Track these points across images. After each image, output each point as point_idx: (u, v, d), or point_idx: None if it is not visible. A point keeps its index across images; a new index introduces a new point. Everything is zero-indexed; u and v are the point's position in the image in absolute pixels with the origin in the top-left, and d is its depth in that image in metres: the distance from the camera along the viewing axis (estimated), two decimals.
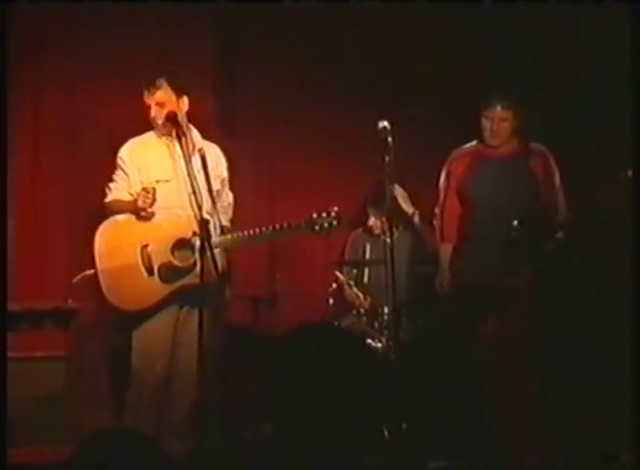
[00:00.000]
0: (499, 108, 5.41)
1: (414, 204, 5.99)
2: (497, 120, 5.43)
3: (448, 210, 5.59)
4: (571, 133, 6.10)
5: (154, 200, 5.15)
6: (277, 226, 5.22)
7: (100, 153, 5.82)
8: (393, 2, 6.37)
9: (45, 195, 6.11)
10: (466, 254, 5.49)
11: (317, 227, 5.18)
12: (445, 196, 5.60)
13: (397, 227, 6.03)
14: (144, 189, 5.15)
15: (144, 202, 5.14)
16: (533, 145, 5.50)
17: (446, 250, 5.58)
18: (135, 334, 5.24)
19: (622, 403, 5.03)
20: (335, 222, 5.19)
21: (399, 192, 5.92)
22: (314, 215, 5.19)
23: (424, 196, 5.96)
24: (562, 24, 6.26)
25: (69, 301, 5.43)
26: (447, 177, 5.60)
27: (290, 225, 5.21)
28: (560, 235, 5.34)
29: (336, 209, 5.19)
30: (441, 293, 5.57)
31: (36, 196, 6.09)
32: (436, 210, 5.65)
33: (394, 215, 5.87)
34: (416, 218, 5.97)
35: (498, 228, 5.29)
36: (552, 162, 5.47)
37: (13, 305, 5.12)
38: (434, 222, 5.66)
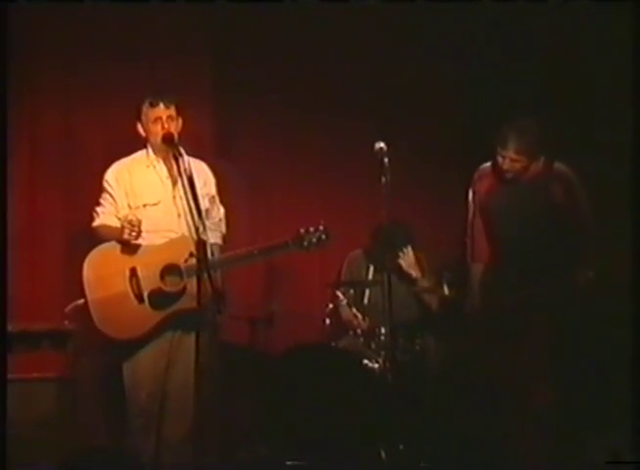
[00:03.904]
0: (511, 152, 5.23)
1: (421, 268, 6.04)
2: (509, 160, 5.26)
3: (477, 229, 5.49)
4: (571, 138, 6.02)
5: (139, 232, 5.10)
6: (263, 246, 5.21)
7: (98, 172, 5.78)
8: (394, 16, 6.43)
9: (43, 216, 6.09)
10: (493, 275, 5.42)
11: (305, 243, 5.16)
12: (474, 215, 5.50)
13: None
14: (129, 222, 5.09)
15: (129, 234, 5.09)
16: (557, 166, 5.34)
17: (477, 270, 5.47)
18: (126, 362, 5.20)
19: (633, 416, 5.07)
20: (323, 237, 5.16)
21: (405, 258, 5.99)
22: (301, 231, 5.17)
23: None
24: (561, 25, 6.27)
25: (66, 322, 5.42)
26: (474, 196, 5.50)
27: (277, 244, 5.20)
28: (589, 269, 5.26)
29: (323, 223, 5.17)
30: (470, 313, 5.49)
31: (34, 216, 6.07)
32: (468, 228, 5.55)
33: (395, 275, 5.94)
34: (420, 284, 6.03)
35: (521, 252, 5.26)
36: (575, 185, 5.30)
37: (9, 327, 5.11)
38: (467, 240, 5.57)
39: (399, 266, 6.02)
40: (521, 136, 5.23)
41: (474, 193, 5.51)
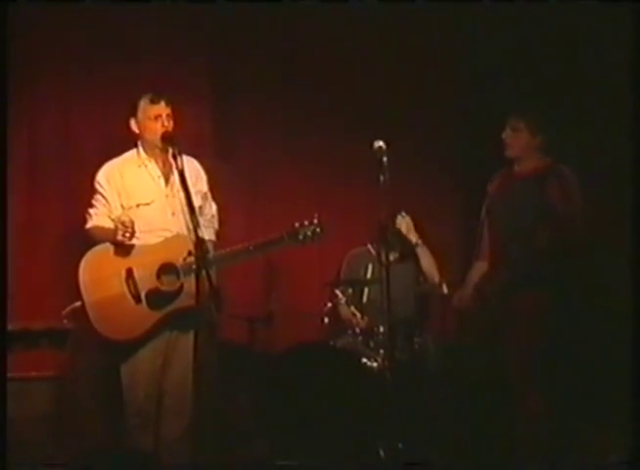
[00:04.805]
0: (511, 117, 5.34)
1: (419, 232, 6.03)
2: (509, 130, 5.33)
3: (485, 228, 5.49)
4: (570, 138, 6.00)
5: (133, 232, 5.10)
6: (259, 241, 5.20)
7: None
8: (394, 17, 6.44)
9: (42, 216, 6.10)
10: (489, 274, 5.40)
11: (301, 237, 5.16)
12: (484, 215, 5.50)
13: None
14: (122, 222, 5.08)
15: (123, 235, 5.09)
16: (559, 166, 5.31)
17: (478, 268, 5.47)
18: (125, 362, 5.20)
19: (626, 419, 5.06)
20: (318, 230, 5.16)
21: (404, 222, 5.98)
22: (296, 225, 5.17)
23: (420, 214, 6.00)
24: (562, 25, 6.26)
25: (65, 321, 5.43)
26: (486, 197, 5.52)
27: (272, 238, 5.20)
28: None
29: (317, 216, 5.17)
30: (458, 307, 5.51)
31: (33, 217, 6.08)
32: (479, 228, 5.54)
33: (399, 246, 5.95)
34: (419, 248, 6.02)
35: (515, 251, 5.25)
36: (571, 184, 5.25)
37: (8, 325, 5.12)
38: (477, 240, 5.57)
39: (399, 231, 5.99)
40: (524, 108, 5.37)
41: (486, 193, 5.53)
